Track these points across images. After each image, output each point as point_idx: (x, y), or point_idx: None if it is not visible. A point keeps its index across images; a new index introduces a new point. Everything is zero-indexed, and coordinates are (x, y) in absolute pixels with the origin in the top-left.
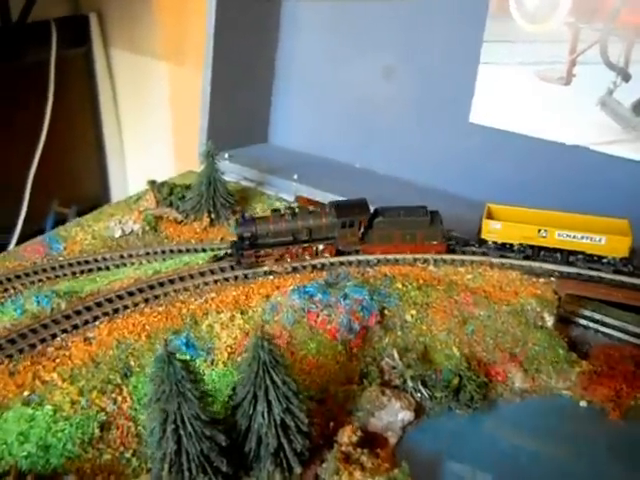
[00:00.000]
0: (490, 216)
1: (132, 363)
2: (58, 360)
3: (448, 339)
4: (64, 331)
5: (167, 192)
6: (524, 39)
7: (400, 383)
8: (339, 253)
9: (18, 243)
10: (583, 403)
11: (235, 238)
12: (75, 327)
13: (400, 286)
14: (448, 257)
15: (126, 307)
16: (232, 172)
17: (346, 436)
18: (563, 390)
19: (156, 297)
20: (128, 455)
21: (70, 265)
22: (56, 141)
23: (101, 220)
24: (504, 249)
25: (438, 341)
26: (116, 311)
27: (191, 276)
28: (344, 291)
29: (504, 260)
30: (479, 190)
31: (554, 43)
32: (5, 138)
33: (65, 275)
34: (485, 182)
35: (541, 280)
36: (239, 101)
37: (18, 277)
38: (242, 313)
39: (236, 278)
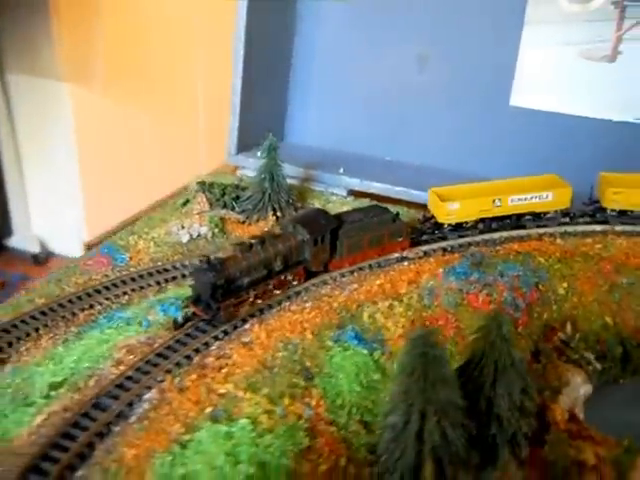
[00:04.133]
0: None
1: (308, 364)
2: (225, 370)
3: (599, 309)
4: (216, 338)
5: (220, 193)
6: (567, 19)
7: (576, 357)
8: (309, 276)
9: None
10: None
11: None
12: (226, 333)
13: (543, 260)
14: (571, 229)
15: (270, 307)
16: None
17: (558, 415)
18: None
19: (297, 293)
20: (342, 463)
21: (150, 275)
22: None
23: (156, 226)
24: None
25: (590, 312)
26: (262, 311)
27: None
28: (498, 269)
29: (628, 228)
30: (525, 172)
31: (598, 22)
32: None
33: (150, 285)
34: (531, 163)
35: None
36: (261, 101)
37: (98, 292)
38: (399, 301)
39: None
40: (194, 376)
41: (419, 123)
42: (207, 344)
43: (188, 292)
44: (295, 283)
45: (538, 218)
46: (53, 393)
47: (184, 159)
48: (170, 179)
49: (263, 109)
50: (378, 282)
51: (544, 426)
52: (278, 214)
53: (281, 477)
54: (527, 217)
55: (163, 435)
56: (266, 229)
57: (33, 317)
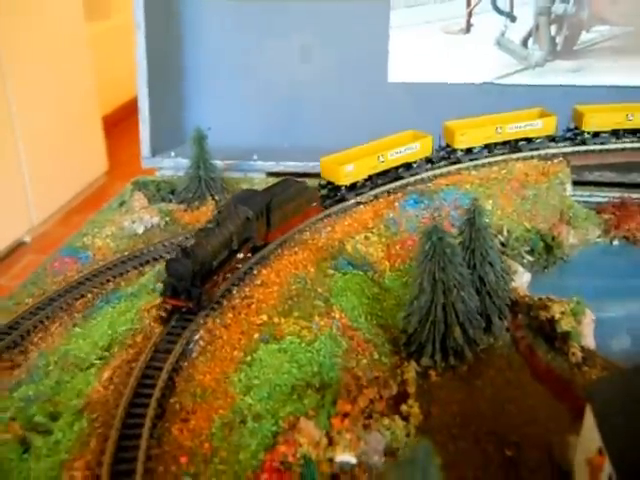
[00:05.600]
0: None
1: (319, 290)
2: (253, 306)
3: (518, 217)
4: (233, 284)
5: (155, 189)
6: (426, 2)
7: (514, 254)
8: (255, 251)
9: None
10: (616, 242)
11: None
12: (241, 279)
13: (468, 187)
14: (479, 162)
15: (264, 257)
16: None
17: (520, 292)
18: (598, 238)
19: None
20: (377, 356)
21: (123, 262)
22: None
23: (103, 226)
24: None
25: (512, 220)
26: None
27: None
28: (440, 195)
29: (522, 154)
30: None
31: (452, 1)
32: None
33: (128, 271)
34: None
35: (555, 161)
36: (163, 106)
37: (82, 283)
38: (371, 232)
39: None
40: (230, 315)
41: (310, 109)
42: (229, 290)
43: None
44: (247, 255)
45: (410, 168)
46: (106, 354)
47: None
48: None
49: (166, 114)
50: (347, 222)
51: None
52: (216, 198)
53: (336, 372)
54: (401, 169)
55: (227, 361)
56: (209, 213)
57: (32, 313)
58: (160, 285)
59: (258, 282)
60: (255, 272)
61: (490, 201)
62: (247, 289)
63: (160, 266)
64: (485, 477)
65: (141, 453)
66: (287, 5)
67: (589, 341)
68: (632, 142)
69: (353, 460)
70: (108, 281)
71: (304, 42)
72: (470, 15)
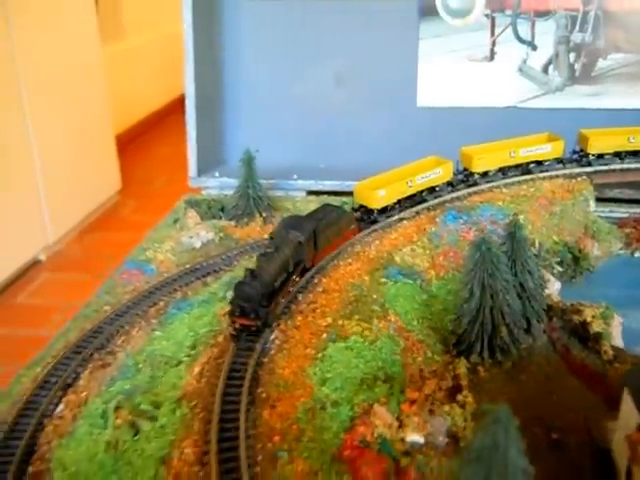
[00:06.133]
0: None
1: (374, 296)
2: (318, 310)
3: (547, 231)
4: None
5: (206, 207)
6: (452, 31)
7: (545, 264)
8: (303, 273)
9: None
10: (637, 254)
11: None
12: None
13: (501, 204)
14: (510, 180)
15: (322, 267)
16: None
17: (554, 299)
18: (620, 250)
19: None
20: (430, 355)
21: (187, 274)
22: None
23: (163, 241)
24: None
25: (541, 234)
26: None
27: None
28: (477, 211)
29: (550, 173)
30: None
31: (476, 31)
32: None
33: (192, 281)
34: (442, 153)
35: (579, 179)
36: (206, 128)
37: (152, 293)
38: (416, 245)
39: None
40: (299, 317)
41: (343, 132)
42: (295, 296)
43: (238, 276)
44: (297, 279)
45: (434, 191)
46: (192, 352)
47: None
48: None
49: (208, 138)
50: (393, 236)
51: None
52: (264, 215)
53: (398, 367)
54: (425, 192)
55: (301, 357)
56: (258, 228)
57: (112, 319)
58: (229, 293)
59: (320, 289)
60: (316, 281)
61: (521, 216)
62: (311, 295)
63: (225, 276)
64: (535, 455)
65: (242, 432)
66: (320, 36)
67: (618, 342)
68: (634, 163)
69: (421, 440)
70: (175, 290)
71: (337, 69)
72: (494, 44)
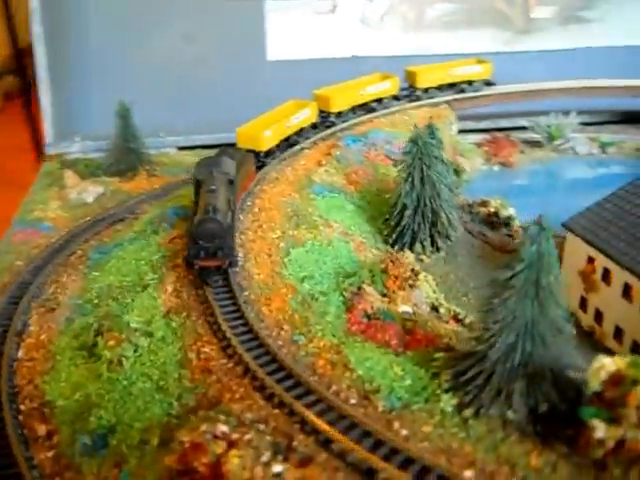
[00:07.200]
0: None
1: (310, 209)
2: (264, 225)
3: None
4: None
5: (83, 166)
6: None
7: None
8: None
9: None
10: (495, 167)
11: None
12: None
13: (387, 129)
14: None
15: (250, 192)
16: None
17: None
18: (482, 166)
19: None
20: (376, 252)
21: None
22: None
23: (48, 201)
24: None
25: None
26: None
27: None
28: (372, 135)
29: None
30: None
31: None
32: None
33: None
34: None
35: (441, 106)
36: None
37: (64, 246)
38: (329, 165)
39: None
40: (250, 233)
41: (199, 90)
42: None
43: (157, 216)
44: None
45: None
46: (155, 276)
47: None
48: None
49: (65, 102)
50: (302, 162)
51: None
52: (147, 168)
53: (358, 262)
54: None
55: (269, 264)
56: (144, 181)
57: (34, 271)
58: (165, 225)
59: (256, 209)
60: (249, 203)
61: (406, 139)
62: (250, 215)
63: (149, 215)
64: None
65: (254, 323)
66: None
67: (517, 222)
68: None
69: (410, 310)
70: (88, 240)
71: (186, 29)
72: None
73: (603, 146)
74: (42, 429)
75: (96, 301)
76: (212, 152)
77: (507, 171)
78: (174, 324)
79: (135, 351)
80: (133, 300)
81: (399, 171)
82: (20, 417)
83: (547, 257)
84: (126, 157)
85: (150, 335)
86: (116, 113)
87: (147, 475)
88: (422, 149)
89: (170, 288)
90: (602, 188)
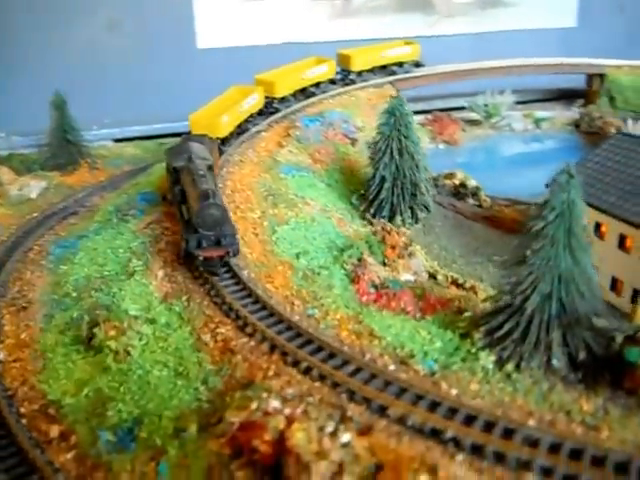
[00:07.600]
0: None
1: (283, 189)
2: (242, 206)
3: None
4: None
5: (18, 162)
6: None
7: None
8: None
9: None
10: (441, 145)
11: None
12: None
13: (339, 110)
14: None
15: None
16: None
17: None
18: (429, 145)
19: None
20: (356, 227)
21: (51, 216)
22: None
23: None
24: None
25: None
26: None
27: None
28: (328, 115)
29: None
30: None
31: None
32: None
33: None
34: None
35: (385, 87)
36: None
37: (19, 242)
38: (291, 146)
39: None
40: (231, 215)
41: (128, 81)
42: None
43: (117, 204)
44: None
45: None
46: (140, 262)
47: None
48: None
49: None
50: (263, 144)
51: None
52: (88, 161)
53: (343, 237)
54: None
55: (258, 243)
56: (88, 175)
57: None
58: (133, 212)
59: (229, 191)
60: (220, 185)
61: (359, 119)
62: (224, 197)
63: (109, 205)
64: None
65: (265, 299)
66: None
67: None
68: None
69: (412, 278)
70: (42, 235)
71: (111, 16)
72: None
73: (537, 122)
74: (54, 430)
75: (74, 294)
76: (152, 143)
77: (452, 149)
78: (177, 308)
79: (140, 339)
80: (121, 289)
81: (372, 144)
82: (24, 420)
83: (577, 205)
84: (65, 150)
85: (153, 322)
86: (51, 104)
87: (191, 464)
88: (400, 120)
89: (161, 273)
90: (538, 163)
